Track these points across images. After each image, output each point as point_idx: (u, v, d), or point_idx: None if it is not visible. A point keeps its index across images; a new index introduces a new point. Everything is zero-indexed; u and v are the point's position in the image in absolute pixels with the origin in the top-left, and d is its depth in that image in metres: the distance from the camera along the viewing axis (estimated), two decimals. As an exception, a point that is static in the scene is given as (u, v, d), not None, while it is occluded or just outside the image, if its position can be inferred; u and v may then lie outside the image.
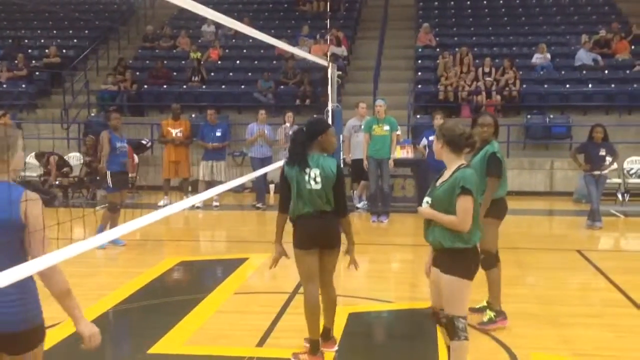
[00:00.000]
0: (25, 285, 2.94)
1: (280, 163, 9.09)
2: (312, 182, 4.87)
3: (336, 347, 5.28)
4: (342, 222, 4.97)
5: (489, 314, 5.87)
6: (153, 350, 5.36)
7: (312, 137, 4.98)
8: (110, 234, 3.44)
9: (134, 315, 6.51)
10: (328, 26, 16.41)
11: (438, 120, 10.89)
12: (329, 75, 9.22)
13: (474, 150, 4.36)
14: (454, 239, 4.17)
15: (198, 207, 12.64)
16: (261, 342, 5.52)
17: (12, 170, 3.08)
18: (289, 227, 5.05)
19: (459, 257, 4.19)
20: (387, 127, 11.01)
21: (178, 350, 5.40)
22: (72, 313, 3.06)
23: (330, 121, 8.96)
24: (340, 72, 12.75)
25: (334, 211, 4.95)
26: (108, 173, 9.21)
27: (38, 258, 2.74)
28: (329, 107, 9.10)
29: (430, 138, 10.42)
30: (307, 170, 4.88)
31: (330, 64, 9.35)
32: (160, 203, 12.43)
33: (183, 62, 19.05)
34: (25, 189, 3.02)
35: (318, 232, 4.93)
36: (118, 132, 9.42)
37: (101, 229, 8.84)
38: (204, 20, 20.52)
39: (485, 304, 6.21)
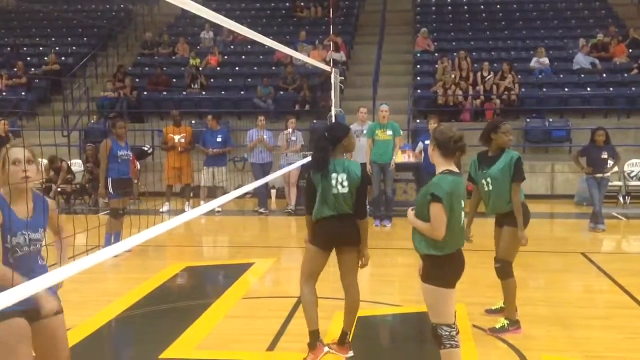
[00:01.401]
0: None
1: (282, 170, 9.13)
2: (340, 187, 4.98)
3: (350, 354, 5.23)
4: (361, 224, 5.08)
5: (503, 321, 5.83)
6: (164, 355, 5.36)
7: (335, 141, 5.07)
8: (126, 244, 3.32)
9: (143, 321, 6.50)
10: (331, 31, 16.43)
11: (432, 124, 10.77)
12: (332, 81, 9.24)
13: (464, 153, 4.27)
14: (427, 246, 4.15)
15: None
16: (272, 346, 5.53)
17: None
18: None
19: (435, 265, 4.15)
20: (390, 132, 11.04)
21: (189, 355, 5.41)
22: None
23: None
24: (342, 78, 12.78)
25: (354, 213, 5.05)
26: (109, 180, 9.19)
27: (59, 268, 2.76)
28: (332, 112, 9.10)
29: (426, 142, 10.43)
30: (334, 175, 4.98)
31: (333, 70, 9.37)
32: (162, 209, 12.43)
33: (182, 68, 19.07)
34: None
35: (338, 233, 5.05)
36: (122, 140, 9.40)
37: (108, 238, 8.83)
38: (202, 26, 20.57)
39: (502, 304, 6.19)
